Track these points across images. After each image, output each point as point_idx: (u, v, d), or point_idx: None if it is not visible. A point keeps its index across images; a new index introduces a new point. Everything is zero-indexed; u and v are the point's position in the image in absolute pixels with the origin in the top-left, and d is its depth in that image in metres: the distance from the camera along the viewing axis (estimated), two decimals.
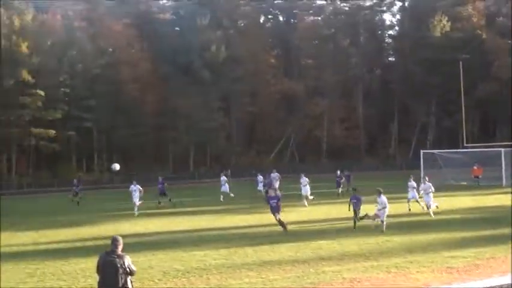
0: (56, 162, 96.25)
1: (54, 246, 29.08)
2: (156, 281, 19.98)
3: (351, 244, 25.93)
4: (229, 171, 66.16)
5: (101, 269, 12.49)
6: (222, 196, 52.35)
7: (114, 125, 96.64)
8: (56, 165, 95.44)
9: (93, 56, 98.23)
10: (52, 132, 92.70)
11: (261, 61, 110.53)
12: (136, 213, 42.32)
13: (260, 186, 54.14)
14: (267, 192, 38.06)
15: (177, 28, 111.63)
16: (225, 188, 53.21)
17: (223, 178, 54.05)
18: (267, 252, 24.71)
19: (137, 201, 43.47)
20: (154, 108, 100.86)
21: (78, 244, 29.27)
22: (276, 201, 30.30)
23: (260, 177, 55.51)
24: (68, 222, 39.16)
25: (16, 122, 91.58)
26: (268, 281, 19.38)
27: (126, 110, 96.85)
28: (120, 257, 12.60)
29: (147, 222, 38.15)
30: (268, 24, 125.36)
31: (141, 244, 27.12)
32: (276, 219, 30.30)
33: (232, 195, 52.75)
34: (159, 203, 49.05)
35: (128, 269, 12.64)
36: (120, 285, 12.40)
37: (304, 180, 46.33)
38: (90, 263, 21.37)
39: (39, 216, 45.97)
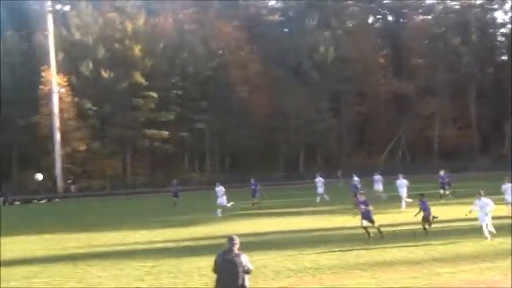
0: (169, 162, 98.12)
1: (169, 245, 29.74)
2: (270, 280, 20.17)
3: (464, 246, 25.46)
4: (339, 172, 65.74)
5: (219, 267, 12.70)
6: (318, 198, 51.63)
7: (225, 126, 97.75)
8: (169, 166, 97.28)
9: (204, 58, 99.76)
10: (165, 133, 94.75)
11: (370, 61, 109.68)
12: (219, 214, 42.48)
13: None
14: (355, 195, 36.57)
15: (286, 29, 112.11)
16: (321, 190, 52.40)
17: (318, 179, 53.43)
18: (379, 253, 24.56)
19: (224, 203, 43.74)
20: (265, 109, 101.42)
21: (193, 243, 29.83)
22: (364, 206, 28.86)
23: (356, 179, 54.64)
24: (182, 222, 39.94)
25: (130, 123, 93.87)
26: (382, 281, 19.27)
27: (237, 112, 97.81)
28: (238, 255, 12.80)
29: (259, 222, 38.50)
30: (377, 24, 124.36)
31: (254, 243, 27.39)
32: (362, 226, 28.80)
33: (327, 197, 51.63)
34: (253, 204, 49.38)
35: (245, 268, 12.84)
36: (240, 283, 12.59)
37: (402, 182, 45.21)
38: (205, 262, 21.79)
39: (153, 215, 47.06)
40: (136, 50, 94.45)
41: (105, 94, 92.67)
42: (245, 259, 12.92)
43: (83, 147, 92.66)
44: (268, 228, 34.61)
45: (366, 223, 28.57)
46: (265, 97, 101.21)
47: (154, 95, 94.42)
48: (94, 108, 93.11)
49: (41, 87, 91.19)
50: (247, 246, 24.60)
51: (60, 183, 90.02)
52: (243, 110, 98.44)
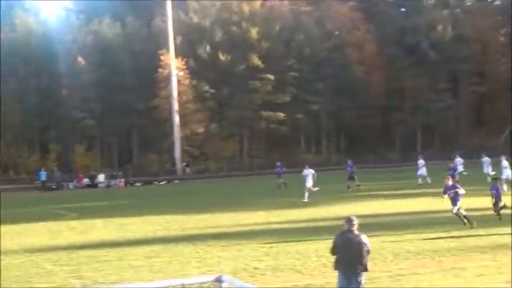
0: (285, 144, 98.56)
1: (287, 226, 29.97)
2: (388, 262, 20.06)
3: None
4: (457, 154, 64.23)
5: (340, 248, 12.72)
6: (419, 179, 50.81)
7: (341, 107, 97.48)
8: (285, 148, 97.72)
9: (320, 40, 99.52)
10: (281, 115, 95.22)
11: (489, 40, 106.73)
12: (306, 199, 41.78)
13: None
14: (453, 177, 34.90)
15: (402, 9, 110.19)
16: (422, 171, 51.48)
17: (420, 161, 52.55)
18: (499, 236, 23.98)
19: (310, 185, 43.14)
20: (380, 89, 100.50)
21: (310, 224, 29.96)
22: (452, 191, 26.76)
23: (458, 160, 53.33)
24: (298, 203, 40.11)
25: (247, 105, 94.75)
26: (503, 264, 18.84)
27: (353, 92, 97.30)
28: (358, 236, 12.80)
29: (377, 203, 38.31)
30: (497, 2, 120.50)
31: (372, 225, 27.19)
32: (453, 212, 26.70)
33: (428, 180, 50.47)
34: (348, 187, 48.74)
35: (367, 248, 12.82)
36: (363, 262, 12.60)
37: (505, 163, 43.57)
38: (323, 243, 21.85)
39: (269, 197, 47.45)
40: (253, 32, 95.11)
41: (223, 77, 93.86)
42: (366, 239, 12.90)
43: (201, 130, 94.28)
44: (385, 210, 34.40)
45: (456, 209, 26.61)
46: (382, 77, 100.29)
47: (271, 77, 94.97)
48: (212, 90, 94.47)
49: (160, 70, 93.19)
50: (365, 228, 24.50)
51: (179, 165, 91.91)
52: (359, 90, 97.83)
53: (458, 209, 26.44)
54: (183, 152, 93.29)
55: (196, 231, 29.49)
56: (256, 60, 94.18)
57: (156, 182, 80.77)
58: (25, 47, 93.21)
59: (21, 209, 49.58)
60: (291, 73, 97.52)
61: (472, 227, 25.83)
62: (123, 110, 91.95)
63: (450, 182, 27.40)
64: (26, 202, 58.61)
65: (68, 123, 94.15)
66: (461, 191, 26.57)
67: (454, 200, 26.48)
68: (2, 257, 24.16)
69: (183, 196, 55.78)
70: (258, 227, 30.18)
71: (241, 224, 31.88)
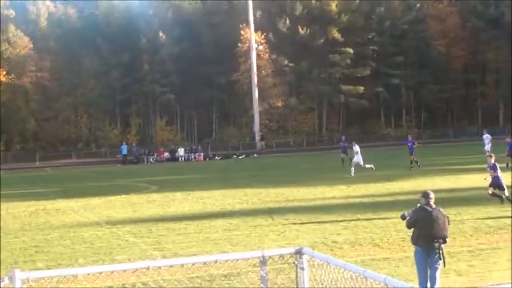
0: (365, 118, 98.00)
1: (366, 200, 29.79)
2: (468, 236, 19.74)
3: None
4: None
5: (421, 222, 12.55)
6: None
7: (421, 80, 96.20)
8: (364, 121, 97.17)
9: (401, 12, 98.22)
10: (361, 89, 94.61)
11: None
12: (352, 174, 41.17)
13: None
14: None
15: None
16: (487, 147, 50.14)
17: (486, 136, 51.32)
18: None
19: (361, 162, 42.24)
20: (462, 63, 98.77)
21: (389, 198, 29.73)
22: (493, 170, 25.17)
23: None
24: (378, 177, 39.82)
25: (326, 79, 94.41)
26: None
27: (434, 66, 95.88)
28: (438, 209, 12.64)
29: (454, 178, 37.74)
30: None
31: (451, 199, 26.79)
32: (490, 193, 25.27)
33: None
34: (411, 162, 47.50)
35: (448, 221, 12.67)
36: (444, 235, 12.45)
37: None
38: None
39: (347, 171, 47.21)
40: (333, 5, 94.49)
41: (302, 50, 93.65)
42: (445, 213, 12.74)
43: (279, 104, 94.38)
44: (464, 185, 33.84)
45: (491, 190, 25.12)
46: (464, 50, 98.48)
47: (350, 50, 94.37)
48: (291, 64, 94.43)
49: (240, 45, 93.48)
50: (443, 202, 24.19)
51: (258, 139, 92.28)
52: (440, 63, 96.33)
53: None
54: (262, 126, 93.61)
55: (274, 205, 29.59)
56: (335, 34, 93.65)
57: (235, 156, 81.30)
58: (106, 23, 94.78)
59: (103, 182, 50.65)
60: (371, 46, 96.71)
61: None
62: (203, 84, 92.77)
63: (492, 161, 25.68)
64: (108, 175, 59.77)
65: (149, 97, 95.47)
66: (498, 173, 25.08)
67: (493, 181, 25.13)
68: (84, 228, 24.78)
69: (262, 170, 56.02)
70: (336, 201, 30.12)
71: (319, 197, 31.86)
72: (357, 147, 43.71)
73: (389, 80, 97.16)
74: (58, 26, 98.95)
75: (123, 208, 31.17)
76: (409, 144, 49.33)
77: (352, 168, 42.13)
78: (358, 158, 43.04)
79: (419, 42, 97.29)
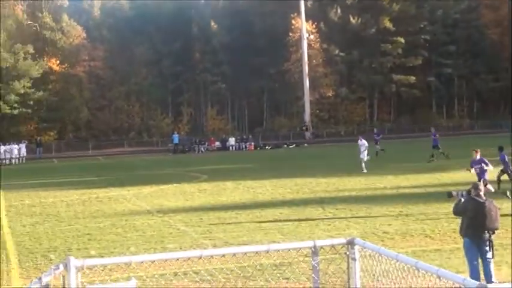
0: (416, 108, 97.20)
1: (417, 190, 29.62)
2: None
3: None
4: None
5: (471, 213, 12.47)
6: None
7: (474, 70, 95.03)
8: (415, 111, 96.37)
9: (453, 1, 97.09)
10: (412, 78, 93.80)
11: None
12: (364, 170, 40.12)
13: None
14: None
15: None
16: None
17: None
18: None
19: (365, 157, 41.19)
20: None
21: (440, 189, 29.45)
22: (478, 166, 24.44)
23: None
24: (429, 167, 39.58)
25: (378, 69, 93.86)
26: None
27: (487, 55, 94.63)
28: (489, 200, 12.57)
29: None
30: None
31: (498, 191, 26.48)
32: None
33: None
34: (432, 156, 46.59)
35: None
36: (496, 226, 12.39)
37: None
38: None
39: (399, 161, 46.96)
40: None
41: (353, 40, 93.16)
42: (496, 204, 12.66)
43: (330, 93, 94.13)
44: None
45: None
46: None
47: (402, 40, 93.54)
48: (342, 54, 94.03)
49: (291, 34, 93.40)
50: (492, 195, 23.92)
51: (308, 128, 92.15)
52: (493, 53, 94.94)
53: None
54: (313, 115, 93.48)
55: (325, 195, 29.59)
56: (387, 23, 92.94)
57: (285, 146, 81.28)
58: (158, 12, 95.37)
59: (155, 171, 51.13)
60: (422, 36, 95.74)
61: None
62: (254, 74, 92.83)
63: (478, 156, 24.72)
64: (159, 164, 60.29)
65: (200, 86, 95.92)
66: (488, 167, 24.32)
67: (480, 176, 23.95)
68: (136, 217, 25.09)
69: (312, 159, 55.98)
70: (387, 191, 30.02)
71: (370, 187, 31.76)
72: (362, 142, 42.13)
73: (441, 69, 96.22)
74: (111, 15, 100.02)
75: (175, 197, 31.45)
76: (433, 137, 48.79)
77: (363, 164, 40.60)
78: (365, 153, 41.84)
79: (472, 31, 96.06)
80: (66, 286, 6.33)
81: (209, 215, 24.60)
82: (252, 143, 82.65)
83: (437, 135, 49.42)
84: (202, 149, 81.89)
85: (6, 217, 26.90)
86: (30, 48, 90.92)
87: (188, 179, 41.10)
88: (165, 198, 31.10)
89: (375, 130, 56.92)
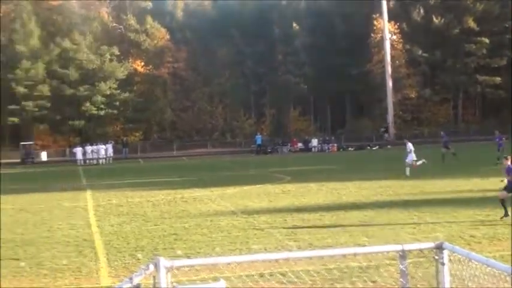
0: (502, 109, 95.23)
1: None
2: None
3: None
4: None
5: None
6: None
7: None
8: (501, 113, 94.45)
9: None
10: (497, 79, 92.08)
11: None
12: (408, 173, 39.46)
13: None
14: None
15: None
16: None
17: None
18: None
19: (411, 161, 40.32)
20: None
21: None
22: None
23: None
24: None
25: (462, 69, 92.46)
26: None
27: None
28: None
29: None
30: None
31: None
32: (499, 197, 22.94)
33: None
34: (498, 159, 45.00)
35: None
36: None
37: None
38: None
39: (486, 163, 46.08)
40: None
41: (436, 40, 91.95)
42: None
43: (413, 94, 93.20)
44: None
45: (504, 194, 22.85)
46: None
47: (486, 40, 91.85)
48: (425, 54, 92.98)
49: (373, 35, 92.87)
50: None
51: (392, 130, 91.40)
52: None
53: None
54: (396, 117, 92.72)
55: (409, 197, 29.39)
56: (471, 23, 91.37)
57: (368, 147, 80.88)
58: (240, 13, 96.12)
59: (238, 172, 51.57)
60: (507, 35, 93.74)
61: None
62: (336, 75, 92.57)
63: (508, 163, 23.15)
64: (243, 165, 60.73)
65: (283, 87, 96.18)
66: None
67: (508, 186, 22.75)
68: (221, 217, 25.41)
69: (396, 161, 55.42)
70: (473, 194, 29.59)
71: (456, 190, 31.38)
72: (409, 145, 41.85)
73: None
74: (194, 17, 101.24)
75: (259, 198, 31.71)
76: (497, 140, 47.78)
77: (407, 168, 40.33)
78: (410, 157, 41.23)
79: None
80: (156, 286, 6.49)
81: (293, 216, 24.73)
82: (335, 145, 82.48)
83: (503, 138, 48.51)
84: (285, 150, 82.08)
85: (95, 216, 27.64)
86: (116, 50, 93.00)
87: (272, 180, 41.36)
88: (249, 199, 31.38)
89: (442, 133, 55.87)
